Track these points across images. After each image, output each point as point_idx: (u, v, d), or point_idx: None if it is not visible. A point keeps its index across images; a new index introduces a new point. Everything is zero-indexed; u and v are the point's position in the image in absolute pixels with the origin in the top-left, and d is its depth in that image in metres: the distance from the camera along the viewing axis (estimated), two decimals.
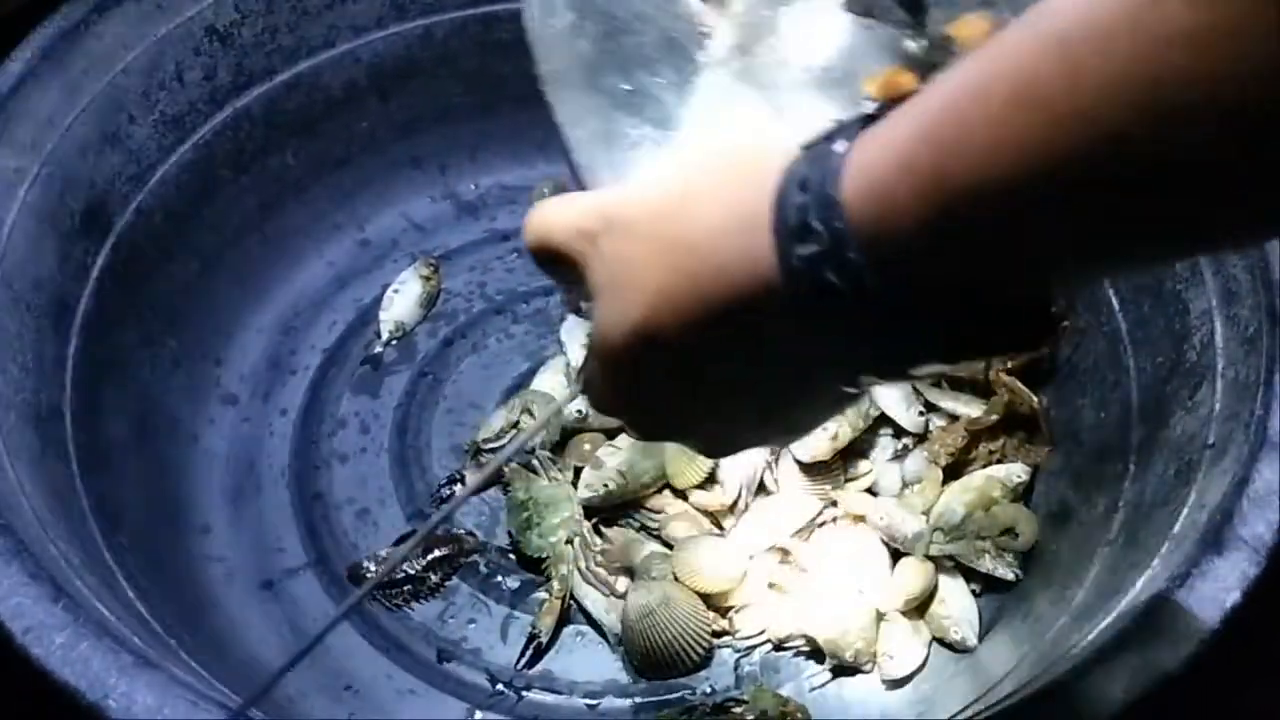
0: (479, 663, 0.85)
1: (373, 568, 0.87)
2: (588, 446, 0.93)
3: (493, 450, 0.94)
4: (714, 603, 0.85)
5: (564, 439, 0.95)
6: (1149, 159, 0.27)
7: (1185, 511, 0.67)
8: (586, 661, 0.85)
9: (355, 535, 0.92)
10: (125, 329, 0.90)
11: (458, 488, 0.93)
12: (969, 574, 0.86)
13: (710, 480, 0.90)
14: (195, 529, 0.91)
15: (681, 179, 0.42)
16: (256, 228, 1.04)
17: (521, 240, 1.10)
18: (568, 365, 0.99)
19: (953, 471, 0.90)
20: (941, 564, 0.86)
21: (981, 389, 0.92)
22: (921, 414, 0.91)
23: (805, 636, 0.84)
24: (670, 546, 0.88)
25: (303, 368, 1.02)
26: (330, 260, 1.09)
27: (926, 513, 0.87)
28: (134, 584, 0.74)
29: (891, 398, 0.91)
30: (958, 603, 0.85)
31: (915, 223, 0.32)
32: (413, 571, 0.87)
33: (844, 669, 0.83)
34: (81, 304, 0.86)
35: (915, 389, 0.92)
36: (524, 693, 0.83)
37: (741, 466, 0.89)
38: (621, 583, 0.86)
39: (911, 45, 0.45)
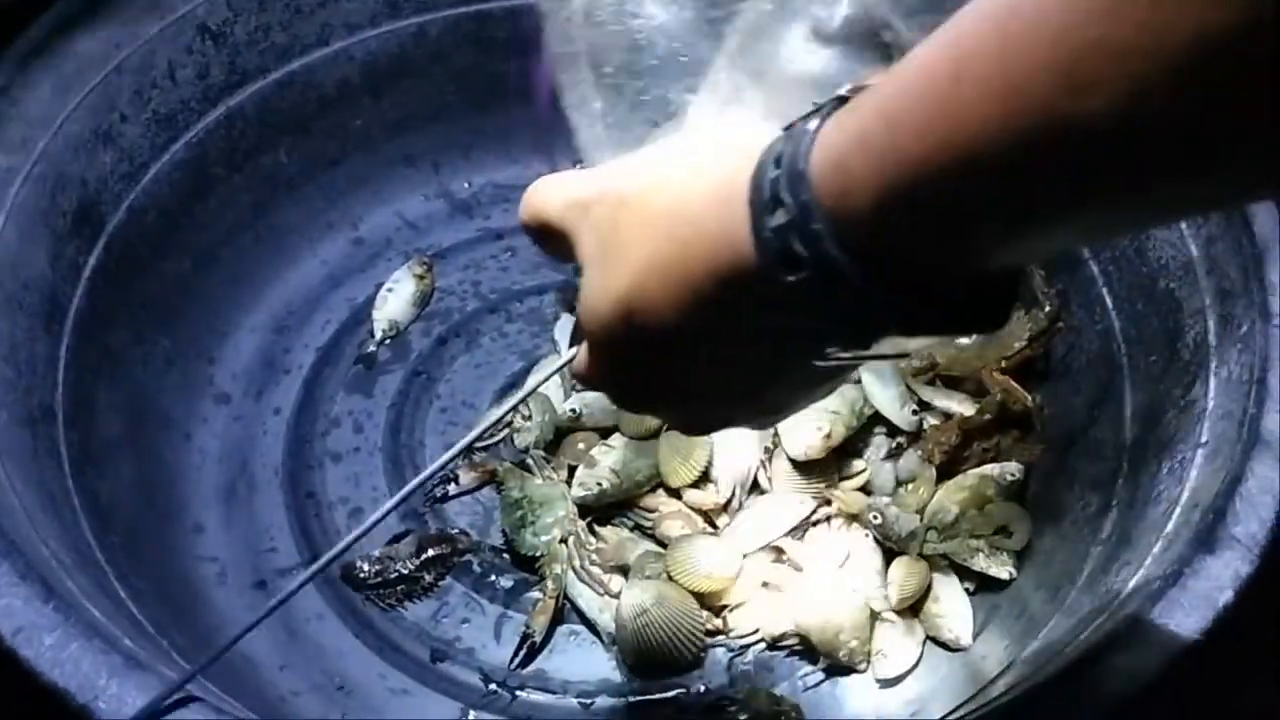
0: (473, 662, 0.85)
1: (366, 567, 0.87)
2: (582, 445, 0.93)
3: (486, 449, 0.94)
4: (708, 602, 0.85)
5: (558, 438, 0.95)
6: (1077, 129, 0.28)
7: (1178, 510, 0.67)
8: (580, 661, 0.85)
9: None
10: (117, 328, 0.90)
11: (451, 486, 0.93)
12: (963, 572, 0.86)
13: (704, 479, 0.89)
14: (188, 528, 0.91)
15: (675, 156, 0.43)
16: (249, 226, 1.04)
17: (516, 239, 1.11)
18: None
19: (946, 470, 0.89)
20: (935, 563, 0.86)
21: (976, 387, 0.92)
22: (915, 412, 0.91)
23: (799, 635, 0.84)
24: (664, 545, 0.88)
25: (296, 366, 1.02)
26: (323, 259, 1.08)
27: (920, 511, 0.87)
28: (126, 584, 0.73)
29: (885, 396, 0.91)
30: (952, 601, 0.85)
31: (870, 196, 0.33)
32: (406, 571, 0.87)
33: (838, 668, 0.83)
34: (74, 303, 0.85)
35: (909, 387, 0.92)
36: (518, 692, 0.83)
37: (735, 465, 0.89)
38: (615, 582, 0.86)
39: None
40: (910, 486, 0.89)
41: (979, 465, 0.89)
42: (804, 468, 0.89)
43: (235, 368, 1.01)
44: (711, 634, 0.85)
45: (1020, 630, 0.78)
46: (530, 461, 0.92)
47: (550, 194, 0.48)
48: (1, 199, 0.79)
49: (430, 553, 0.88)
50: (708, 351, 0.42)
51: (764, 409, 0.49)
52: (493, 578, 0.89)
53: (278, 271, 1.06)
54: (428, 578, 0.88)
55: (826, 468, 0.89)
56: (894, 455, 0.90)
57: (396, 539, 0.89)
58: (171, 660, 0.67)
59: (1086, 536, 0.77)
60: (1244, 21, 0.24)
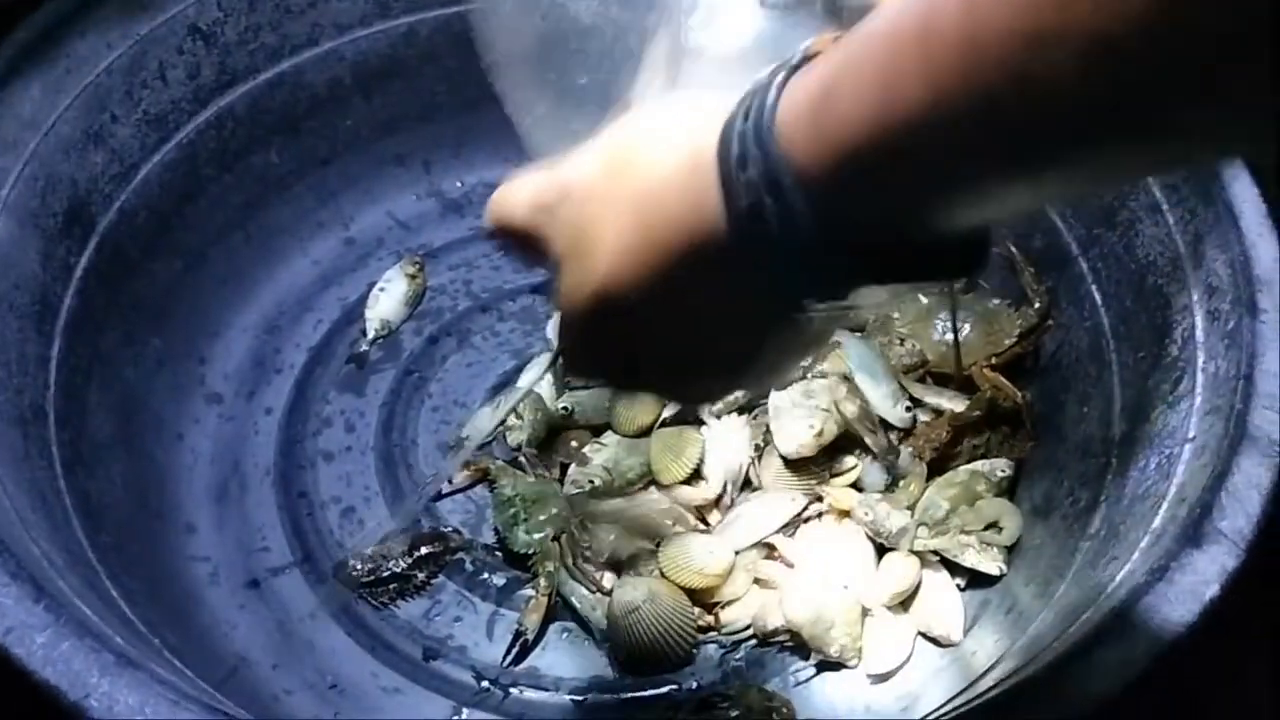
0: (465, 660, 0.85)
1: (359, 566, 0.87)
2: (574, 443, 0.93)
3: (478, 448, 0.94)
4: (700, 598, 0.85)
5: (550, 436, 0.95)
6: (1041, 87, 0.28)
7: (1165, 505, 0.67)
8: (572, 658, 0.85)
9: (341, 534, 0.92)
10: (109, 328, 0.90)
11: (444, 485, 0.93)
12: (953, 568, 0.86)
13: (696, 476, 0.90)
14: (180, 528, 0.91)
15: (632, 136, 0.43)
16: (240, 226, 1.04)
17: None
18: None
19: (937, 467, 0.90)
20: (926, 559, 0.86)
21: (966, 384, 0.92)
22: (908, 410, 0.91)
23: (790, 631, 0.84)
24: (656, 543, 0.88)
25: (288, 366, 1.02)
26: (315, 259, 1.09)
27: (911, 508, 0.88)
28: (117, 584, 0.73)
29: (878, 394, 0.91)
30: (942, 597, 0.85)
31: (834, 150, 0.33)
32: (399, 570, 0.87)
33: (829, 664, 0.83)
34: (65, 303, 0.85)
35: (901, 385, 0.92)
36: (510, 690, 0.83)
37: (726, 462, 0.89)
38: (608, 579, 0.86)
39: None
40: (901, 483, 0.89)
41: (969, 462, 0.89)
42: (795, 465, 0.89)
43: (227, 368, 1.01)
44: (703, 630, 0.85)
45: (1010, 625, 0.79)
46: (522, 459, 0.92)
47: (514, 200, 0.48)
48: None
49: (422, 551, 0.88)
50: (689, 323, 0.43)
51: (758, 370, 0.48)
52: (485, 576, 0.89)
53: (269, 271, 1.06)
54: (420, 576, 0.88)
55: (818, 464, 0.89)
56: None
57: (389, 538, 0.90)
58: (163, 659, 0.67)
59: (1075, 532, 0.78)
60: None
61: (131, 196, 0.92)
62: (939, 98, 0.30)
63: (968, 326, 0.91)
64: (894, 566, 0.86)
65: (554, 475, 0.91)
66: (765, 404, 0.91)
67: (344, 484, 0.95)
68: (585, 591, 0.86)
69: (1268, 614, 0.88)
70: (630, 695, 0.83)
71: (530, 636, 0.84)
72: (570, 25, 0.52)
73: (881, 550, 0.87)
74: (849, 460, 0.90)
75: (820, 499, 0.88)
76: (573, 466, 0.90)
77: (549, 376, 0.98)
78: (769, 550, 0.87)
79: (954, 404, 0.91)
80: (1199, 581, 0.60)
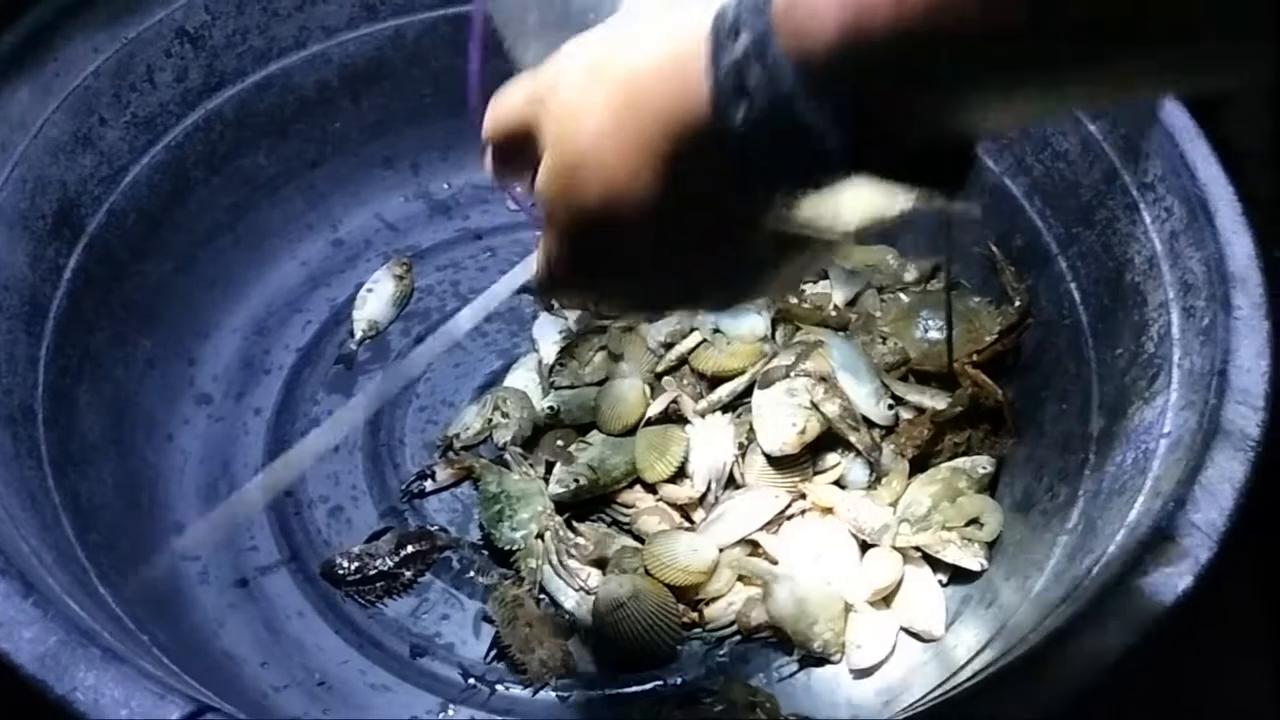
0: (452, 657, 0.86)
1: (346, 564, 0.88)
2: (560, 442, 0.94)
3: (466, 447, 0.95)
4: (684, 595, 0.86)
5: (536, 434, 0.95)
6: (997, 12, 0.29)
7: (1141, 499, 0.68)
8: None
9: (329, 532, 0.92)
10: (98, 330, 0.91)
11: (428, 483, 0.94)
12: (935, 564, 0.87)
13: (680, 474, 0.90)
14: (169, 528, 0.91)
15: (622, 29, 0.44)
16: (229, 228, 1.05)
17: (495, 239, 1.12)
18: (539, 362, 1.00)
19: (919, 464, 0.91)
20: (908, 555, 0.87)
21: (947, 382, 0.93)
22: (890, 407, 0.92)
23: (774, 627, 0.85)
24: (641, 540, 0.89)
25: (276, 367, 1.03)
26: (303, 260, 1.09)
27: (893, 505, 0.88)
28: (106, 582, 0.74)
29: (860, 392, 0.92)
30: (925, 593, 0.86)
31: (828, 31, 0.34)
32: (386, 568, 0.88)
33: (812, 659, 0.84)
34: (54, 305, 0.86)
35: (883, 383, 0.93)
36: (496, 686, 0.84)
37: (711, 461, 0.90)
38: (594, 577, 0.87)
39: None
40: (884, 480, 0.90)
41: (951, 459, 0.90)
42: (779, 462, 0.90)
43: (216, 368, 1.01)
44: (688, 627, 0.86)
45: (991, 619, 0.79)
46: (508, 457, 0.93)
47: (507, 99, 0.48)
48: None
49: (409, 549, 0.89)
50: (665, 215, 0.42)
51: (725, 283, 0.48)
52: (471, 574, 0.90)
53: (258, 273, 1.07)
54: (407, 574, 0.88)
55: (801, 462, 0.90)
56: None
57: (376, 536, 0.90)
58: (152, 655, 0.68)
59: (1054, 526, 0.78)
60: None
61: (120, 198, 0.93)
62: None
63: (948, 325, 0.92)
64: (876, 563, 0.86)
65: (539, 473, 0.92)
66: (749, 403, 0.92)
67: (332, 483, 0.95)
68: (570, 589, 0.87)
69: (1264, 613, 0.90)
70: (615, 691, 0.84)
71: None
72: None
73: (864, 546, 0.88)
74: (832, 458, 0.91)
75: (803, 496, 0.89)
76: (558, 465, 0.91)
77: (536, 376, 0.99)
78: (753, 547, 0.88)
79: (936, 402, 0.92)
80: (1172, 574, 0.60)
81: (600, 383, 0.96)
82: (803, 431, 0.88)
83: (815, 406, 0.89)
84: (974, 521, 0.87)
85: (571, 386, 0.97)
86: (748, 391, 0.93)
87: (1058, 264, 0.89)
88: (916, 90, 0.34)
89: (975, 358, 0.91)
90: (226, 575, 0.90)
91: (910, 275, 1.02)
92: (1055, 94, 0.34)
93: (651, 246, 0.45)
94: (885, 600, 0.86)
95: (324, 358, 1.04)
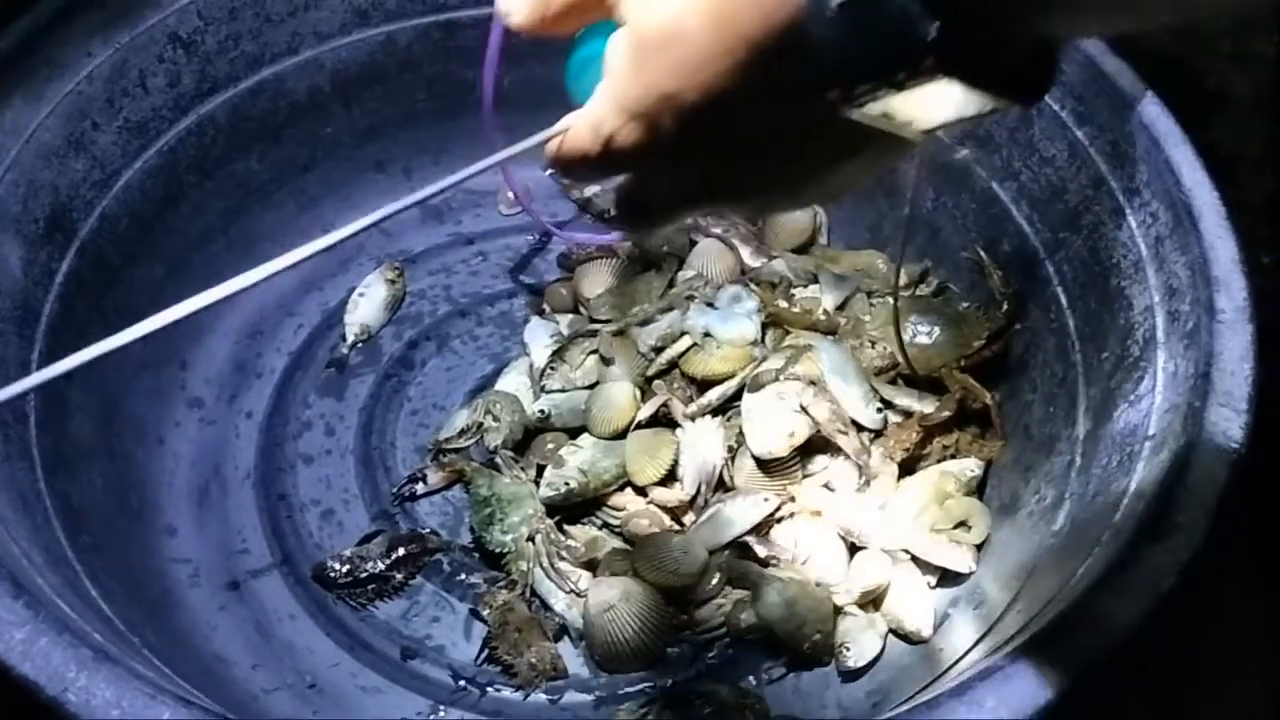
0: (442, 660, 0.86)
1: (337, 567, 0.88)
2: (550, 445, 0.94)
3: (457, 450, 0.96)
4: (674, 598, 0.86)
5: (527, 438, 0.96)
6: None
7: (1125, 501, 0.69)
8: None
9: (320, 536, 0.93)
10: (90, 333, 0.89)
11: (419, 486, 0.94)
12: (924, 566, 0.88)
13: (670, 477, 0.91)
14: (160, 530, 0.91)
15: None
16: (222, 232, 1.05)
17: (486, 243, 1.12)
18: (530, 366, 1.00)
19: (908, 467, 0.91)
20: (897, 557, 0.87)
21: (936, 386, 0.94)
22: (879, 411, 0.93)
23: (763, 630, 0.85)
24: (631, 543, 0.89)
25: (268, 371, 1.03)
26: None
27: (882, 507, 0.89)
28: (97, 584, 0.74)
29: (849, 396, 0.92)
30: (913, 595, 0.87)
31: None
32: (377, 570, 0.88)
33: (801, 661, 0.85)
34: (46, 309, 0.86)
35: (872, 387, 0.94)
36: (486, 689, 0.84)
37: (701, 464, 0.90)
38: (584, 580, 0.88)
39: None
40: (872, 483, 0.90)
41: (939, 462, 0.91)
42: (768, 466, 0.90)
43: (208, 372, 1.02)
44: (677, 629, 0.86)
45: (978, 621, 0.80)
46: (499, 461, 0.93)
47: None
48: None
49: (400, 552, 0.89)
50: (745, 98, 0.42)
51: (789, 177, 0.47)
52: (462, 576, 0.90)
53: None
54: (398, 577, 0.89)
55: (790, 465, 0.90)
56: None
57: (367, 539, 0.91)
58: (143, 656, 0.68)
59: (1041, 529, 0.79)
60: None
61: (113, 203, 0.93)
62: None
63: (937, 329, 0.93)
64: (865, 565, 0.87)
65: (530, 477, 0.93)
66: (739, 406, 0.92)
67: (324, 487, 0.96)
68: (560, 591, 0.87)
69: (1257, 614, 0.91)
70: (605, 693, 0.84)
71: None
72: None
73: (853, 549, 0.88)
74: (821, 461, 0.92)
75: (793, 499, 0.90)
76: (549, 468, 0.91)
77: (527, 380, 0.99)
78: (742, 550, 0.88)
79: (924, 405, 0.92)
80: (1155, 574, 0.61)
81: (591, 386, 0.97)
82: (792, 435, 0.89)
83: (804, 410, 0.89)
84: (962, 524, 0.87)
85: (562, 390, 0.97)
86: (738, 395, 0.93)
87: (1045, 268, 0.90)
88: None
89: (963, 362, 0.92)
90: (218, 578, 0.90)
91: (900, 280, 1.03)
92: None
93: (720, 129, 0.44)
94: (874, 602, 0.87)
95: (316, 361, 1.04)
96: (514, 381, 1.00)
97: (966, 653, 0.75)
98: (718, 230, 1.08)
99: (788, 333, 0.98)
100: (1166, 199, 0.79)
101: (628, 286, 1.05)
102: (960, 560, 0.86)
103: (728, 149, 0.45)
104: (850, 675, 0.84)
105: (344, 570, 0.88)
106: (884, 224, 1.07)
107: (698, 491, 0.90)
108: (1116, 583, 0.60)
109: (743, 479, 0.91)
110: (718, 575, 0.87)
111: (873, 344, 0.96)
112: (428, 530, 0.92)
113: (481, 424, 0.95)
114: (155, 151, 0.97)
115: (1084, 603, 0.60)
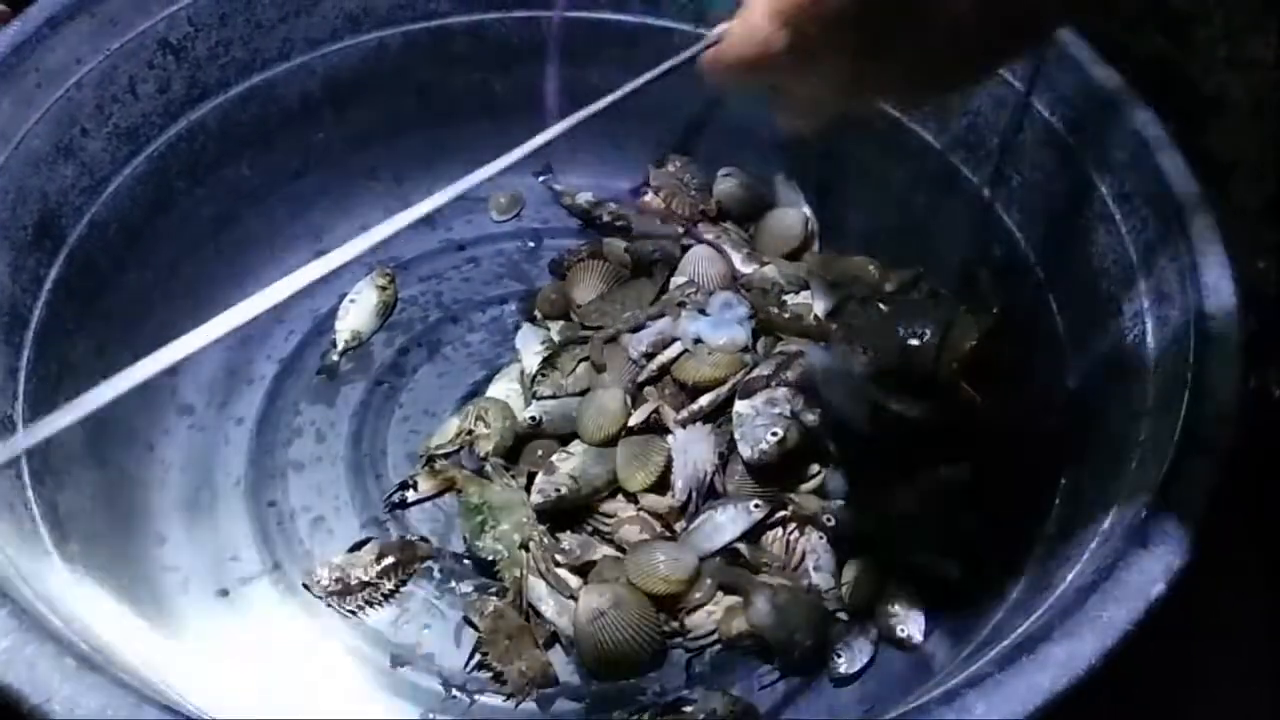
0: (432, 668, 0.86)
1: (326, 574, 0.88)
2: (541, 452, 0.94)
3: (447, 456, 0.95)
4: (665, 604, 0.86)
5: (518, 445, 0.96)
6: None
7: (1115, 506, 0.68)
8: None
9: (311, 543, 0.92)
10: (79, 340, 0.90)
11: (410, 493, 0.94)
12: (915, 573, 0.88)
13: (661, 484, 0.91)
14: (150, 538, 0.91)
15: None
16: (212, 239, 1.05)
17: (478, 249, 1.12)
18: (522, 372, 1.00)
19: (900, 472, 0.91)
20: (887, 565, 0.87)
21: (928, 390, 0.93)
22: (871, 416, 0.92)
23: (755, 637, 0.85)
24: (623, 550, 0.89)
25: (259, 377, 1.03)
26: (286, 270, 1.05)
27: (873, 513, 0.89)
28: (85, 592, 0.74)
29: (840, 402, 0.92)
30: (904, 601, 0.86)
31: None
32: (367, 578, 0.88)
33: (793, 668, 0.84)
34: (34, 315, 0.86)
35: (864, 393, 0.93)
36: (477, 697, 0.84)
37: (692, 470, 0.90)
38: (574, 584, 0.87)
39: None
40: (863, 489, 0.90)
41: (930, 466, 0.91)
42: (760, 472, 0.90)
43: (198, 379, 1.01)
44: (669, 636, 0.86)
45: (968, 627, 0.79)
46: (489, 468, 0.93)
47: None
48: None
49: (390, 559, 0.89)
50: None
51: (941, 62, 0.50)
52: (453, 583, 0.90)
53: (240, 283, 1.06)
54: (388, 584, 0.88)
55: (782, 472, 0.90)
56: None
57: (357, 546, 0.90)
58: (130, 665, 0.68)
59: (1031, 534, 0.79)
60: None
61: (102, 209, 0.93)
62: None
63: (929, 332, 0.93)
64: (856, 571, 0.87)
65: (521, 484, 0.92)
66: (730, 413, 0.92)
67: (314, 493, 0.95)
68: (552, 598, 0.87)
69: (1256, 617, 0.91)
70: (596, 701, 0.84)
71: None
72: None
73: (844, 556, 0.88)
74: (813, 467, 0.92)
75: (784, 506, 0.89)
76: (540, 475, 0.91)
77: (518, 386, 0.99)
78: (734, 557, 0.88)
79: (915, 412, 0.92)
80: (1145, 580, 0.61)
81: (582, 393, 0.97)
82: (782, 441, 0.88)
83: (795, 417, 0.89)
84: (952, 530, 0.87)
85: (553, 396, 0.97)
86: (729, 402, 0.93)
87: (1035, 274, 0.90)
88: None
89: (955, 365, 0.92)
90: (208, 586, 0.90)
91: (890, 286, 1.03)
92: None
93: (865, 25, 0.48)
94: (865, 609, 0.87)
95: (306, 368, 1.04)
96: (505, 388, 1.00)
97: (957, 659, 0.75)
98: (709, 236, 1.09)
99: (779, 339, 0.98)
100: (1156, 205, 0.79)
101: (619, 292, 1.05)
102: (949, 567, 0.86)
103: (874, 42, 0.48)
104: (842, 682, 0.84)
105: (334, 578, 0.88)
106: (879, 233, 1.07)
107: (689, 498, 0.90)
108: (1107, 589, 0.60)
109: (734, 486, 0.91)
110: (709, 582, 0.87)
111: (864, 350, 0.96)
112: (418, 537, 0.92)
113: (472, 430, 0.95)
114: (145, 158, 0.96)
115: (1073, 609, 0.60)
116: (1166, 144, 0.81)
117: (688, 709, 0.81)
